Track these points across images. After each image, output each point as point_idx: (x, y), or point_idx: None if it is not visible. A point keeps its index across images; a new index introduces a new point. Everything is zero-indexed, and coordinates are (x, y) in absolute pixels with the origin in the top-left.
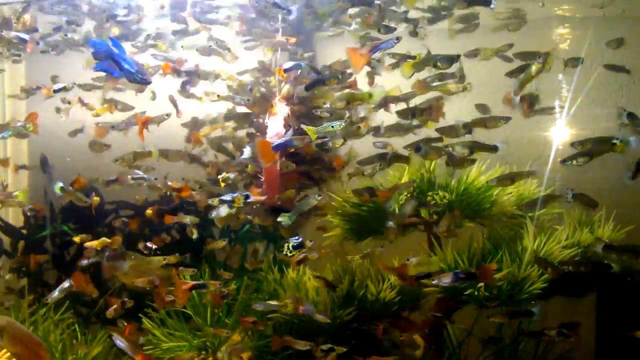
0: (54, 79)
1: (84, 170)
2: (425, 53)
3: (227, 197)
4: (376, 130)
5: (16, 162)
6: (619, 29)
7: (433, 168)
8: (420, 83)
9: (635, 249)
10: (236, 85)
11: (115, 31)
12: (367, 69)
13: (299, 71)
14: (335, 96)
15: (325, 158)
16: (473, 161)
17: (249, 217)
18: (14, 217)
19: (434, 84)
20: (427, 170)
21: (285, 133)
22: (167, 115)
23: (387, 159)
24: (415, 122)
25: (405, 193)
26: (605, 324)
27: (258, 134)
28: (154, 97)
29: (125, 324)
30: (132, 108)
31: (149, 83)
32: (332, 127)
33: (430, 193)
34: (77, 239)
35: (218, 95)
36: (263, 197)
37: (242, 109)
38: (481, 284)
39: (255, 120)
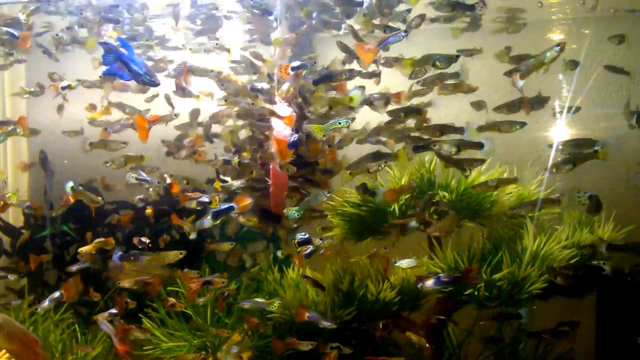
0: (52, 76)
1: (84, 169)
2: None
3: (205, 199)
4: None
5: (20, 161)
6: (616, 28)
7: (433, 168)
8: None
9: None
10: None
11: (114, 34)
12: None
13: (304, 71)
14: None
15: (323, 158)
16: (482, 161)
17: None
18: (14, 217)
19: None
20: (427, 170)
21: (291, 132)
22: (175, 115)
23: (379, 158)
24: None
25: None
26: (605, 324)
27: (262, 135)
28: (151, 99)
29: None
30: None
31: (158, 85)
32: (339, 123)
33: (440, 194)
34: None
35: (225, 100)
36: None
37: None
38: (481, 284)
39: (261, 120)
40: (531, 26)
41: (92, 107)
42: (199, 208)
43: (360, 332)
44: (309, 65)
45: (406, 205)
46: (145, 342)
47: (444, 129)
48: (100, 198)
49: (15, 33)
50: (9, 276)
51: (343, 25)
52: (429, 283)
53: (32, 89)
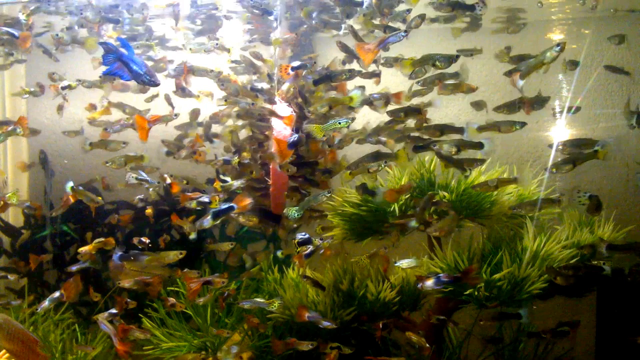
0: (52, 76)
1: (84, 169)
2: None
3: (205, 199)
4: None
5: (20, 161)
6: (616, 28)
7: (433, 168)
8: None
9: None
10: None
11: (114, 34)
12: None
13: (304, 71)
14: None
15: (323, 158)
16: (482, 161)
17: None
18: (14, 217)
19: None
20: (427, 170)
21: (291, 132)
22: (175, 115)
23: (379, 158)
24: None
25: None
26: (605, 324)
27: (262, 135)
28: (150, 99)
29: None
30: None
31: (158, 85)
32: (339, 123)
33: (441, 193)
34: (88, 248)
35: (225, 100)
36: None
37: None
38: (481, 284)
39: (261, 120)
40: (531, 26)
41: (92, 107)
42: (199, 208)
43: (360, 332)
44: (309, 66)
45: (406, 205)
46: (146, 342)
47: (444, 129)
48: (100, 198)
49: (15, 33)
50: (9, 276)
51: (343, 25)
52: (429, 283)
53: (32, 89)
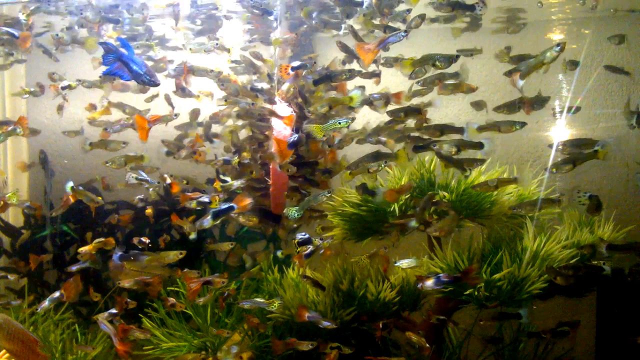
0: (52, 76)
1: (83, 169)
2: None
3: (205, 199)
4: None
5: (20, 161)
6: (616, 28)
7: (433, 168)
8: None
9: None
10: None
11: (114, 34)
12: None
13: (304, 71)
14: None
15: (323, 158)
16: (482, 161)
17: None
18: (14, 217)
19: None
20: (427, 170)
21: (291, 132)
22: (175, 115)
23: (377, 158)
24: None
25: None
26: (605, 324)
27: (262, 134)
28: (150, 99)
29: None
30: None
31: (158, 85)
32: (339, 123)
33: (441, 193)
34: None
35: (225, 100)
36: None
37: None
38: (481, 284)
39: (261, 120)
40: (531, 26)
41: (92, 107)
42: (199, 208)
43: (360, 332)
44: (309, 66)
45: (406, 205)
46: (146, 342)
47: (444, 129)
48: (100, 198)
49: (15, 33)
50: (8, 276)
51: (343, 25)
52: (429, 283)
53: (32, 89)
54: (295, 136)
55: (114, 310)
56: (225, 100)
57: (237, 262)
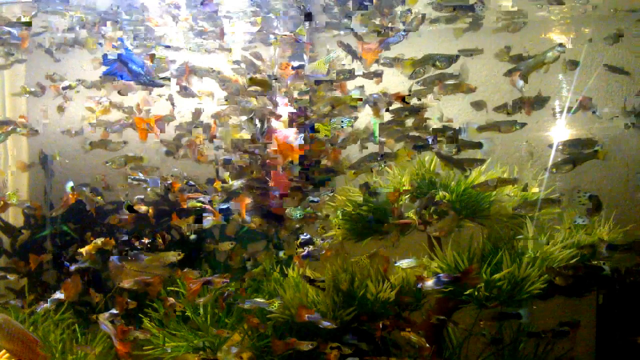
0: (52, 77)
1: (83, 169)
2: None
3: (203, 198)
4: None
5: (20, 161)
6: (615, 28)
7: (433, 168)
8: None
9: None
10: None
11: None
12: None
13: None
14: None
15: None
16: (482, 161)
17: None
18: (14, 217)
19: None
20: (428, 170)
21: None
22: (181, 115)
23: (378, 157)
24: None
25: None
26: (605, 324)
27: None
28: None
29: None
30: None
31: (159, 85)
32: (342, 122)
33: (441, 193)
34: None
35: (226, 100)
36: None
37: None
38: (481, 284)
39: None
40: (531, 26)
41: (96, 105)
42: (198, 208)
43: (360, 332)
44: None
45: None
46: (145, 342)
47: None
48: (100, 198)
49: (15, 33)
50: (8, 276)
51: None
52: (429, 283)
53: (32, 89)
54: (302, 136)
55: (114, 311)
56: (226, 101)
57: (239, 263)
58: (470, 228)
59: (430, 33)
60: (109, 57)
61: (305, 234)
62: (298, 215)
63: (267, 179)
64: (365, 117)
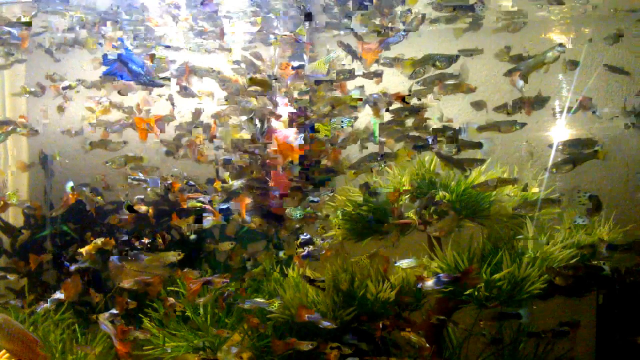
0: (52, 77)
1: (84, 169)
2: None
3: (203, 199)
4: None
5: (19, 161)
6: (615, 28)
7: (433, 168)
8: None
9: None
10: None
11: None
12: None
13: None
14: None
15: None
16: (482, 161)
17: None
18: (14, 217)
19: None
20: (428, 170)
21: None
22: (181, 115)
23: (378, 157)
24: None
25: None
26: (605, 324)
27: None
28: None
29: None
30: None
31: (159, 85)
32: (342, 122)
33: (441, 193)
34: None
35: (226, 100)
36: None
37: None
38: (481, 284)
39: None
40: (531, 26)
41: (96, 105)
42: (198, 208)
43: (360, 332)
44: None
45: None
46: (146, 342)
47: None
48: (100, 198)
49: (15, 33)
50: (8, 276)
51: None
52: (429, 283)
53: (32, 89)
54: (302, 136)
55: (114, 311)
56: (226, 100)
57: (239, 263)
58: (470, 228)
59: (430, 33)
60: (109, 57)
61: (305, 234)
62: (298, 215)
63: (267, 179)
64: (365, 117)
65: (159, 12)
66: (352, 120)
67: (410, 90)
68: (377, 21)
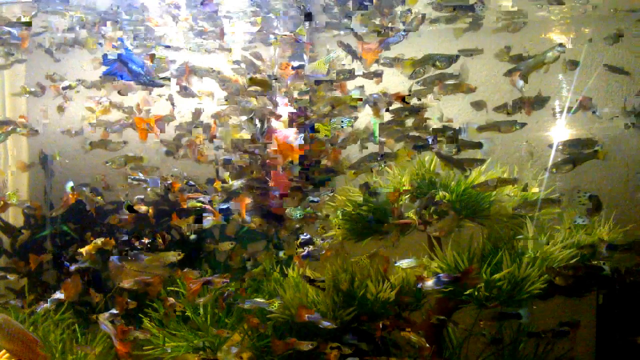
0: (52, 77)
1: (84, 169)
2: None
3: (203, 199)
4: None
5: (19, 161)
6: (615, 28)
7: (433, 168)
8: None
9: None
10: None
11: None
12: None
13: (304, 70)
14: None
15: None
16: (482, 161)
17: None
18: (14, 217)
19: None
20: (428, 170)
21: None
22: (181, 115)
23: (378, 157)
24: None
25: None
26: (605, 324)
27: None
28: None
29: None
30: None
31: (159, 85)
32: (342, 122)
33: (441, 193)
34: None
35: (226, 100)
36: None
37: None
38: (481, 284)
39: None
40: (531, 26)
41: (96, 105)
42: (198, 208)
43: (360, 332)
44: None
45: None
46: (146, 342)
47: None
48: (100, 198)
49: (15, 33)
50: (8, 276)
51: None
52: (429, 283)
53: (32, 89)
54: (301, 137)
55: (114, 311)
56: (226, 100)
57: (239, 263)
58: (470, 228)
59: (430, 33)
60: (109, 57)
61: (305, 234)
62: (298, 215)
63: (267, 179)
64: (365, 117)
65: (159, 12)
66: (352, 120)
67: (410, 90)
68: (377, 21)
